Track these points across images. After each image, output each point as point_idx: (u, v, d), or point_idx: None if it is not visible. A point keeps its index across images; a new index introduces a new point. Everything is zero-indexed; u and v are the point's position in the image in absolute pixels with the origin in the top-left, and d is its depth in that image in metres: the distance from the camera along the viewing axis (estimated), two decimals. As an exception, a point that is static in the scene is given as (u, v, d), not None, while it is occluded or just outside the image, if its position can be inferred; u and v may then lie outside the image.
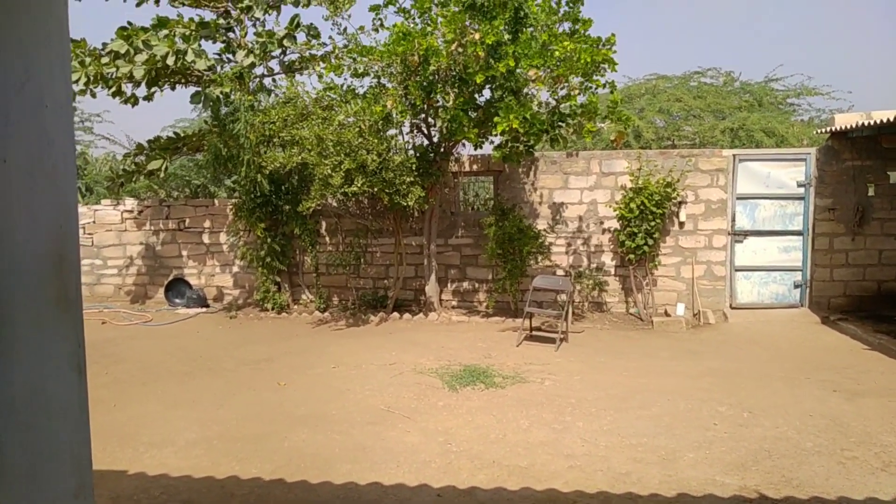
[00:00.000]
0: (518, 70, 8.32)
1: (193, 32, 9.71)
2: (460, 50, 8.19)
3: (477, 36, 7.98)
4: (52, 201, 1.89)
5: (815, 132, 11.33)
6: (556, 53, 8.09)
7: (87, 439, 2.05)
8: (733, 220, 10.12)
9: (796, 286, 10.14)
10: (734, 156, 10.13)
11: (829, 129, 9.79)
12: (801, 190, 9.98)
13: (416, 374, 6.93)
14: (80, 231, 11.70)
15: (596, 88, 8.62)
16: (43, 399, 1.82)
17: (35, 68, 1.83)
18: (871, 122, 8.61)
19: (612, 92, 8.79)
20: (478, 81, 8.18)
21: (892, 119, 8.02)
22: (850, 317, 9.45)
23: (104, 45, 9.64)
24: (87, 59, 9.55)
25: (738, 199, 10.10)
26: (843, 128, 9.37)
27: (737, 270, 10.18)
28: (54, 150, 1.91)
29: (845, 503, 4.00)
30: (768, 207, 10.09)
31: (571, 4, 8.68)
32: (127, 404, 6.08)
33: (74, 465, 1.95)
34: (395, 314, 10.12)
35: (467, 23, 8.22)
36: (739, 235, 10.13)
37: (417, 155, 9.53)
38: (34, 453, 1.76)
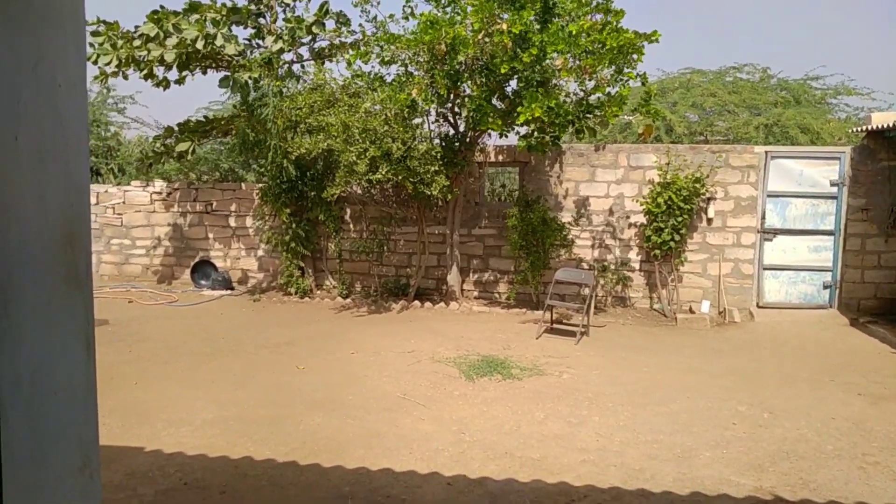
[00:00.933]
0: (546, 61, 8.23)
1: (224, 17, 9.76)
2: (487, 39, 8.13)
3: (504, 25, 7.91)
4: (63, 180, 1.91)
5: (850, 130, 11.07)
6: (582, 43, 7.98)
7: (93, 416, 2.06)
8: (763, 217, 9.94)
9: (826, 287, 9.94)
10: (766, 152, 9.94)
11: (865, 127, 9.54)
12: (834, 189, 9.76)
13: (433, 363, 6.94)
14: (111, 211, 11.93)
15: (628, 80, 8.49)
16: (49, 376, 1.84)
17: (48, 47, 1.84)
18: (909, 121, 8.39)
19: (643, 84, 8.66)
20: (502, 71, 8.12)
21: (930, 118, 7.80)
22: (879, 320, 9.24)
23: (136, 28, 9.75)
24: (119, 42, 9.66)
25: (768, 196, 9.91)
26: (880, 127, 9.13)
27: (765, 269, 10.01)
28: (66, 129, 1.92)
29: (863, 509, 3.92)
30: (800, 206, 9.89)
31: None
32: (148, 382, 6.18)
33: (79, 442, 1.97)
34: (417, 302, 10.14)
35: (496, 12, 8.15)
36: (769, 233, 9.95)
37: (443, 144, 9.51)
38: (39, 430, 1.78)
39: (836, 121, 13.93)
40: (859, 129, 9.82)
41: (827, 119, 13.60)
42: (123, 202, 12.23)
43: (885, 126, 8.98)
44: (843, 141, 11.56)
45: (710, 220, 10.00)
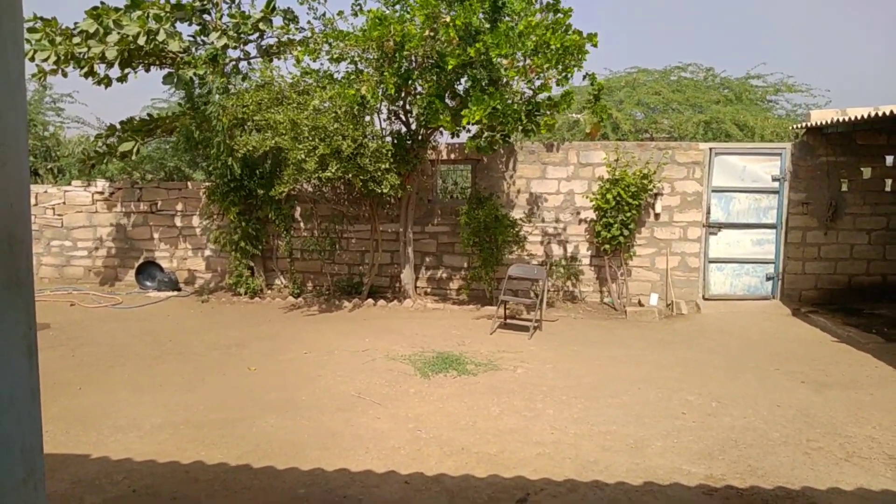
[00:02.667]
0: (495, 60, 8.26)
1: (167, 14, 9.52)
2: (432, 34, 8.12)
3: (448, 18, 7.91)
4: (1, 180, 1.82)
5: (791, 127, 11.42)
6: (528, 43, 8.04)
7: (37, 425, 1.98)
8: (708, 212, 10.19)
9: (768, 278, 10.25)
10: (710, 149, 10.19)
11: (804, 124, 9.87)
12: (776, 184, 10.07)
13: (388, 361, 6.91)
14: (51, 212, 11.53)
15: (572, 76, 8.57)
16: (-11, 385, 1.76)
17: (-17, 41, 1.76)
18: (846, 119, 8.69)
19: (592, 83, 8.77)
20: (450, 66, 8.12)
21: (866, 116, 8.10)
22: (820, 309, 9.58)
23: (76, 24, 9.44)
24: (58, 39, 9.35)
25: (713, 191, 10.17)
26: (819, 123, 9.46)
27: (710, 262, 10.27)
28: (3, 128, 1.84)
29: (809, 493, 4.05)
30: (743, 201, 10.17)
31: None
32: (93, 388, 5.99)
33: (22, 453, 1.89)
34: (370, 300, 10.08)
35: (443, 10, 8.15)
36: (714, 228, 10.20)
37: (395, 142, 9.47)
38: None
39: (776, 118, 14.36)
40: (799, 125, 10.14)
41: (766, 116, 14.00)
42: (64, 203, 11.83)
43: (824, 122, 9.30)
44: (782, 137, 11.91)
45: (657, 216, 10.20)
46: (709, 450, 4.69)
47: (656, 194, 10.06)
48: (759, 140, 12.62)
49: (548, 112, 8.80)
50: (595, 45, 8.26)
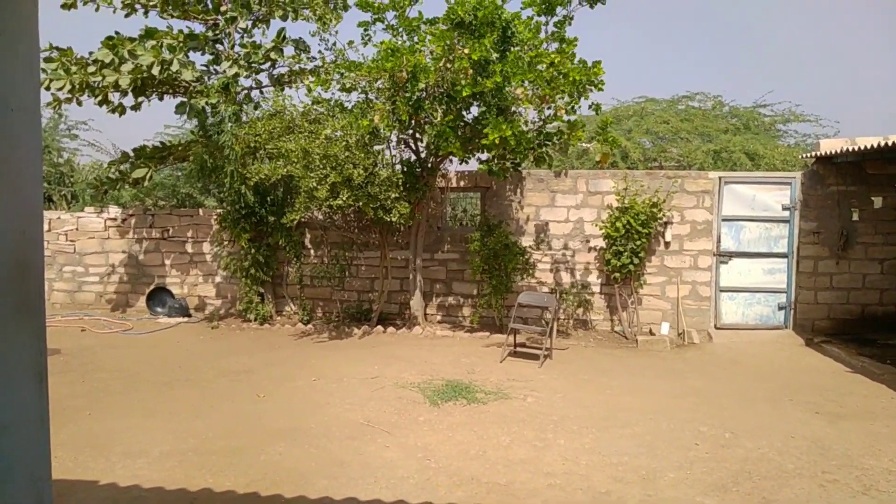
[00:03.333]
0: (506, 89, 8.35)
1: (181, 44, 9.69)
2: (448, 66, 8.22)
3: (466, 51, 8.01)
4: (14, 205, 1.85)
5: (800, 156, 11.42)
6: (544, 74, 8.13)
7: (46, 452, 1.98)
8: (718, 241, 10.15)
9: (780, 308, 10.16)
10: (720, 178, 10.18)
11: (814, 153, 9.86)
12: (786, 213, 10.03)
13: (397, 389, 6.87)
14: (63, 238, 11.63)
15: (579, 107, 8.66)
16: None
17: (0, 71, 1.79)
18: (856, 148, 8.69)
19: (596, 112, 8.85)
20: (464, 95, 8.20)
21: (876, 145, 8.09)
22: (833, 339, 9.47)
23: (91, 53, 9.61)
24: (73, 68, 9.52)
25: (723, 220, 10.14)
26: (828, 153, 9.45)
27: (722, 291, 10.20)
28: (19, 153, 1.87)
29: (824, 527, 3.97)
30: (753, 229, 10.13)
31: (559, 25, 8.75)
32: (102, 413, 5.98)
33: (31, 479, 1.88)
34: (380, 327, 10.06)
35: (456, 41, 8.26)
36: (724, 256, 10.16)
37: (404, 170, 9.52)
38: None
39: (785, 147, 14.38)
40: (808, 155, 10.14)
41: (775, 145, 14.02)
42: (76, 229, 11.93)
43: (833, 152, 9.29)
44: (791, 166, 11.90)
45: (667, 244, 10.17)
46: (722, 481, 4.61)
47: (666, 223, 10.04)
48: (769, 169, 12.62)
49: (557, 141, 8.86)
50: (598, 71, 8.33)
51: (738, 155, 13.25)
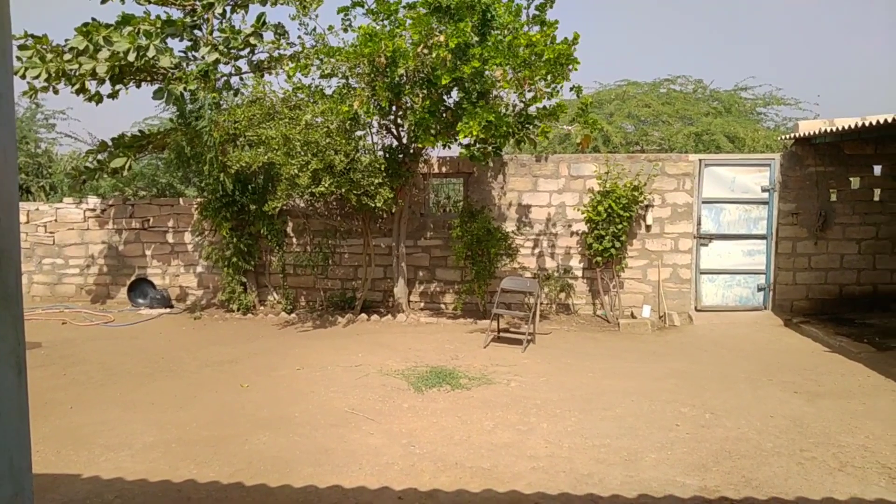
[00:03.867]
0: (486, 72, 8.33)
1: (158, 30, 9.55)
2: (426, 52, 8.18)
3: (442, 38, 7.97)
4: (-11, 196, 1.82)
5: (779, 138, 11.52)
6: (521, 53, 8.10)
7: (26, 443, 1.97)
8: (699, 223, 10.23)
9: (760, 289, 10.29)
10: (700, 160, 10.25)
11: (793, 135, 9.95)
12: (766, 195, 10.13)
13: (381, 376, 6.88)
14: (42, 229, 11.49)
15: (561, 88, 8.64)
16: (-23, 402, 1.75)
17: (-29, 58, 1.76)
18: (834, 129, 8.78)
19: (577, 95, 8.85)
20: (443, 83, 8.17)
21: (853, 126, 8.18)
22: (811, 320, 9.61)
23: (67, 41, 9.46)
24: (49, 56, 9.36)
25: (703, 203, 10.22)
26: (807, 134, 9.54)
27: (702, 273, 10.30)
28: (-8, 142, 1.84)
29: (803, 503, 4.04)
30: (733, 212, 10.23)
31: (540, 8, 8.74)
32: (84, 406, 5.95)
33: (11, 471, 1.87)
34: (363, 315, 10.06)
35: (434, 25, 8.21)
36: (705, 239, 10.25)
37: (386, 156, 9.49)
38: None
39: (765, 129, 14.49)
40: (788, 136, 10.23)
41: (755, 128, 14.12)
42: (55, 220, 11.79)
43: (812, 133, 9.38)
44: (772, 147, 12.00)
45: (648, 227, 10.24)
46: (703, 461, 4.68)
47: (647, 206, 10.10)
48: (750, 152, 12.71)
49: (539, 124, 8.85)
50: (576, 42, 8.28)
51: (719, 138, 13.34)
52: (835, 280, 10.19)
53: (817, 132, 9.23)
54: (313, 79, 9.49)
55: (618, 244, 9.73)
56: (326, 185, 8.67)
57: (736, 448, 4.93)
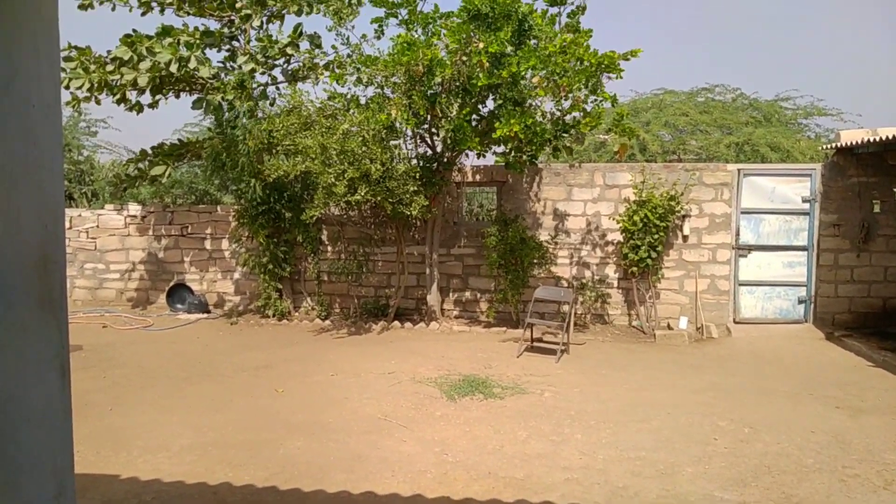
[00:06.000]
0: (522, 81, 8.32)
1: (197, 41, 9.75)
2: (464, 59, 8.21)
3: (481, 45, 8.00)
4: (36, 202, 1.87)
5: (820, 148, 11.29)
6: (559, 60, 8.07)
7: (68, 444, 2.01)
8: (737, 234, 10.06)
9: (800, 302, 10.06)
10: (739, 170, 10.09)
11: (834, 144, 9.74)
12: (806, 205, 9.93)
13: (414, 384, 6.89)
14: (84, 235, 11.76)
15: (603, 101, 8.60)
16: (23, 404, 1.79)
17: (21, 67, 1.81)
18: (877, 139, 8.57)
19: (613, 105, 8.79)
20: (479, 84, 8.18)
21: (897, 135, 7.98)
22: (854, 333, 9.37)
23: (109, 52, 9.70)
24: (92, 66, 9.61)
25: (742, 213, 10.05)
26: (849, 144, 9.33)
27: (741, 285, 10.12)
28: (40, 150, 1.89)
29: (845, 522, 3.94)
30: (773, 222, 10.04)
31: (571, 15, 8.72)
32: (123, 408, 6.06)
33: (54, 471, 1.91)
34: (396, 323, 10.09)
35: (472, 34, 8.25)
36: (743, 250, 10.07)
37: (421, 164, 9.53)
38: (12, 458, 1.72)
39: (807, 139, 14.22)
40: (829, 146, 10.02)
41: (797, 138, 13.87)
42: (97, 226, 12.06)
43: (854, 143, 9.17)
44: (814, 158, 11.76)
45: (685, 238, 10.10)
46: (741, 476, 4.59)
47: (684, 216, 9.97)
48: (796, 162, 12.46)
49: (574, 132, 8.81)
50: (637, 56, 8.25)
51: (763, 148, 13.11)
52: (878, 293, 9.93)
53: (860, 142, 9.02)
54: (349, 88, 9.59)
55: (654, 254, 9.61)
56: (362, 194, 8.73)
57: (776, 463, 4.82)
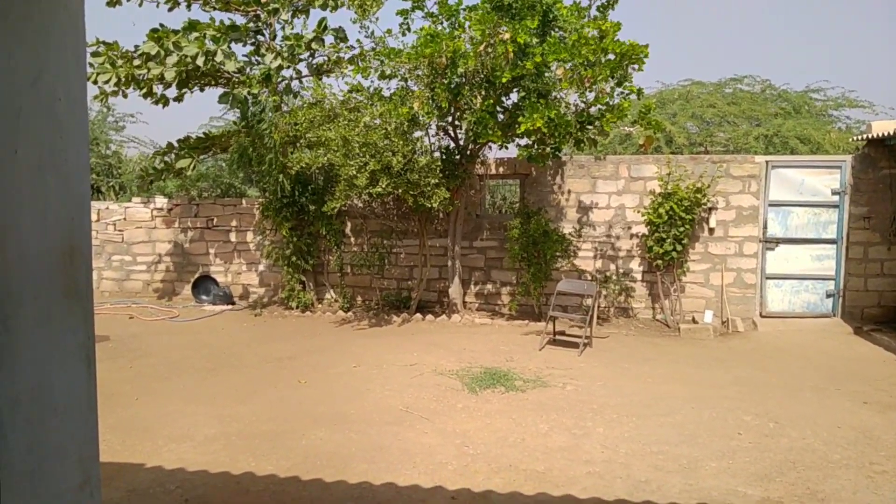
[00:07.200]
0: (547, 73, 8.27)
1: (223, 35, 9.82)
2: (489, 50, 8.17)
3: (507, 35, 7.94)
4: (63, 194, 1.90)
5: (851, 139, 11.08)
6: (583, 52, 8.00)
7: (94, 433, 2.04)
8: (765, 227, 9.92)
9: (829, 295, 9.91)
10: (767, 162, 9.94)
11: (865, 136, 9.55)
12: (836, 198, 9.76)
13: (436, 376, 6.90)
14: (112, 227, 11.93)
15: (629, 94, 8.51)
16: (49, 393, 1.82)
17: (49, 61, 1.83)
18: (910, 129, 8.39)
19: (639, 97, 8.70)
20: (504, 80, 8.15)
21: (930, 125, 7.80)
22: (883, 328, 9.20)
23: (136, 47, 9.80)
24: (119, 61, 9.72)
25: (770, 205, 9.91)
26: (881, 135, 9.14)
27: (768, 278, 9.98)
28: (67, 143, 1.92)
29: (872, 519, 3.88)
30: (801, 215, 9.88)
31: (602, 9, 8.64)
32: (149, 398, 6.15)
33: (80, 460, 1.94)
34: (418, 315, 10.11)
35: (497, 23, 8.20)
36: (771, 243, 9.93)
37: (443, 157, 9.52)
38: (38, 446, 1.76)
39: (837, 131, 13.95)
40: (860, 137, 9.83)
41: (828, 130, 13.61)
42: (124, 218, 12.23)
43: (886, 134, 8.98)
44: (844, 150, 11.55)
45: (711, 230, 9.98)
46: (766, 471, 4.53)
47: (710, 208, 9.85)
48: (822, 153, 12.25)
49: (598, 125, 8.73)
50: (647, 56, 8.18)
51: (793, 140, 12.89)
52: (909, 287, 9.74)
53: (892, 133, 8.83)
54: (372, 80, 9.60)
55: (679, 247, 9.52)
56: (384, 186, 8.75)
57: (801, 459, 4.76)
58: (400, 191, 8.97)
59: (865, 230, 9.70)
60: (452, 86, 8.66)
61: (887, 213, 9.62)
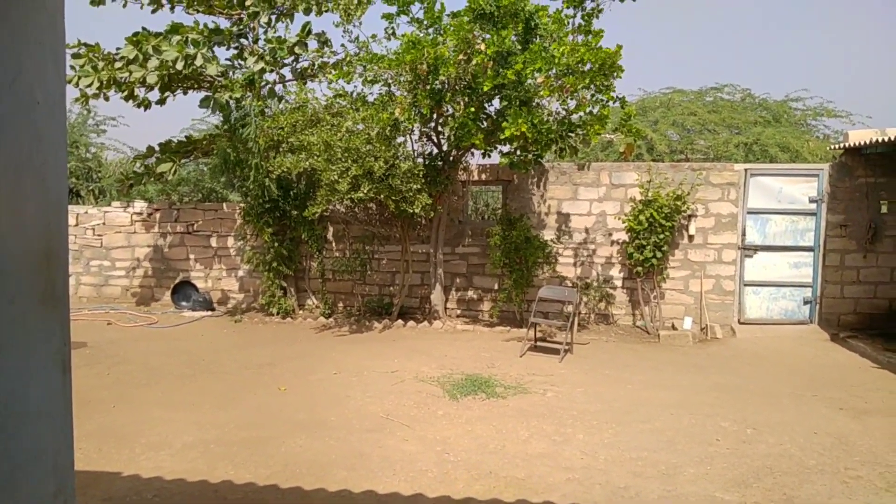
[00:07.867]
0: (528, 81, 8.31)
1: (205, 38, 9.76)
2: (465, 58, 8.20)
3: (483, 46, 7.98)
4: (40, 198, 1.87)
5: (829, 148, 11.24)
6: (563, 61, 8.05)
7: (69, 441, 2.01)
8: (744, 234, 10.03)
9: (806, 302, 10.03)
10: (746, 170, 10.06)
11: (842, 144, 9.70)
12: (813, 206, 9.89)
13: (417, 383, 6.89)
14: (90, 232, 11.80)
15: (608, 102, 8.58)
16: (23, 400, 1.80)
17: (26, 63, 1.81)
18: (886, 139, 8.53)
19: (622, 106, 8.77)
20: (485, 89, 8.18)
21: (905, 135, 7.93)
22: (859, 335, 9.33)
23: (118, 50, 9.73)
24: (101, 64, 9.64)
25: (748, 213, 10.02)
26: (857, 144, 9.29)
27: (746, 285, 10.08)
28: (44, 146, 1.90)
29: (847, 524, 3.92)
30: (779, 222, 10.00)
31: (586, 18, 8.71)
32: (127, 405, 6.08)
33: (54, 468, 1.92)
34: (400, 321, 10.10)
35: (476, 33, 8.24)
36: (749, 250, 10.04)
37: (426, 163, 9.53)
38: (11, 454, 1.73)
39: (816, 140, 14.15)
40: (837, 146, 9.97)
41: (806, 139, 13.81)
42: (103, 223, 12.11)
43: (863, 143, 9.13)
44: (822, 159, 11.71)
45: (691, 237, 10.07)
46: (743, 477, 4.57)
47: (690, 216, 9.94)
48: (801, 162, 12.41)
49: (581, 132, 8.79)
50: (619, 58, 8.24)
51: (773, 149, 13.05)
52: (885, 294, 9.88)
53: (868, 142, 8.98)
54: (356, 86, 9.60)
55: (659, 254, 9.59)
56: (365, 191, 8.74)
57: (778, 465, 4.81)
58: (382, 196, 8.97)
59: (842, 238, 9.84)
60: (435, 92, 8.68)
61: (863, 222, 9.76)
